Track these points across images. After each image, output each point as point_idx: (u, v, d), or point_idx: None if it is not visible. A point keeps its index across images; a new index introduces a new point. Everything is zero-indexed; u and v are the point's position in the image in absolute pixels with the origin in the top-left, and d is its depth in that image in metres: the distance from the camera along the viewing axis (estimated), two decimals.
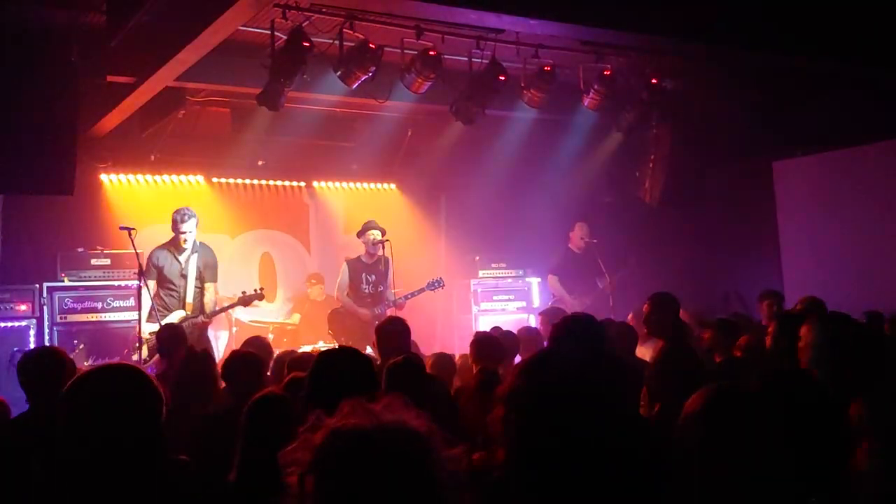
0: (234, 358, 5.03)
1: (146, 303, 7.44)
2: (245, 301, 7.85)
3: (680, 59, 8.43)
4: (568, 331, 3.81)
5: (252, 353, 5.20)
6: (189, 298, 7.79)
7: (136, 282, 7.65)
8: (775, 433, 1.74)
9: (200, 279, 7.88)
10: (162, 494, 2.04)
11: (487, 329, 7.13)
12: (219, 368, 5.14)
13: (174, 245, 7.87)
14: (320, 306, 9.77)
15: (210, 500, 3.20)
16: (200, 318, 7.73)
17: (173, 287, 7.79)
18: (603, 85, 8.50)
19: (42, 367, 4.02)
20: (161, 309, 7.59)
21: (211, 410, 4.57)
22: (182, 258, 7.85)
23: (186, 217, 7.80)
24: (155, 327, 7.14)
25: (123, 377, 2.04)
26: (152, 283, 7.67)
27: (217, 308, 7.99)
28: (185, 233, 7.79)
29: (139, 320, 7.47)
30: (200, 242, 8.02)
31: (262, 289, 8.02)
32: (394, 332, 5.34)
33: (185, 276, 7.82)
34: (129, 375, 2.06)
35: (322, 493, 1.42)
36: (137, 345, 7.27)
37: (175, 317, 7.59)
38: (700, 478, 1.74)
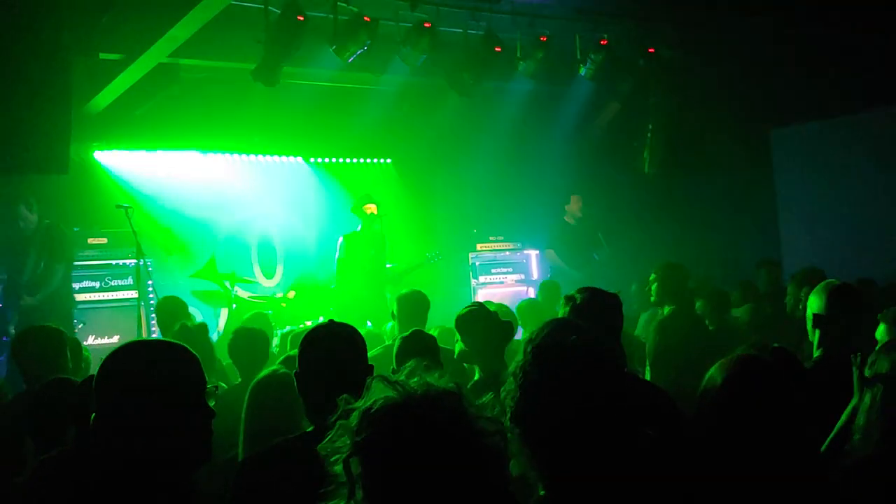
0: (241, 335, 5.00)
1: None
2: None
3: (676, 26, 8.36)
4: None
5: (259, 330, 5.18)
6: None
7: (134, 260, 7.63)
8: (794, 401, 1.77)
9: None
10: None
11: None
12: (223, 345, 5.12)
13: None
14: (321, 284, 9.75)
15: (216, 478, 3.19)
16: None
17: None
18: (600, 54, 8.43)
19: (41, 345, 3.95)
20: None
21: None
22: None
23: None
24: None
25: (173, 353, 1.99)
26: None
27: None
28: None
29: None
30: None
31: None
32: (414, 306, 5.37)
33: None
34: (179, 352, 2.00)
35: (370, 472, 1.41)
36: None
37: None
38: (724, 444, 1.78)
